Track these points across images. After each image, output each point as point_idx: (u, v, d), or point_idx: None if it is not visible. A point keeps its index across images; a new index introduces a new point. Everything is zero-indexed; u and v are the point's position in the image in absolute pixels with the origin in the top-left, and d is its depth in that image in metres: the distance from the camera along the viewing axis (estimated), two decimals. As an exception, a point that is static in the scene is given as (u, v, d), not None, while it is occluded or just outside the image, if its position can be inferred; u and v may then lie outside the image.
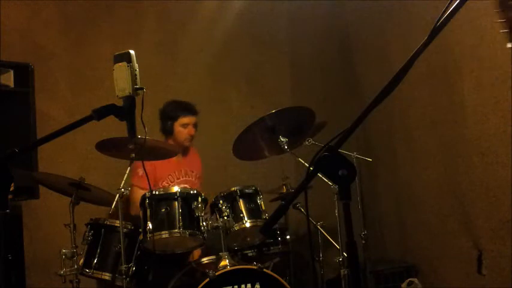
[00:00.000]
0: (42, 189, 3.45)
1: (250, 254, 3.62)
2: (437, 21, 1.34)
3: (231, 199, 3.19)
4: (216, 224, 3.07)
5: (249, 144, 3.33)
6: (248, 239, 3.32)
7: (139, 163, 3.17)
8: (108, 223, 3.17)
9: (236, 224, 3.12)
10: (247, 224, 3.12)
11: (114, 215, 3.08)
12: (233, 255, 3.28)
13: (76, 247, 3.07)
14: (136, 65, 1.71)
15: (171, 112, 3.69)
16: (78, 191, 3.12)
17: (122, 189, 2.94)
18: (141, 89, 1.70)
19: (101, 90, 4.03)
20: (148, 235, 2.92)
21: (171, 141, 3.71)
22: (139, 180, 3.45)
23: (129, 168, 3.10)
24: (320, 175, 1.45)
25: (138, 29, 4.41)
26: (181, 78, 4.52)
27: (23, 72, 3.48)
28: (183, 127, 3.67)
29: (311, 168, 1.42)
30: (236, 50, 4.80)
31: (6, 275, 3.26)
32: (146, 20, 4.48)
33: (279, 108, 3.19)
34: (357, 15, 4.92)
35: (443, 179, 4.02)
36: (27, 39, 3.98)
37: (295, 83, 4.98)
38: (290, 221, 3.95)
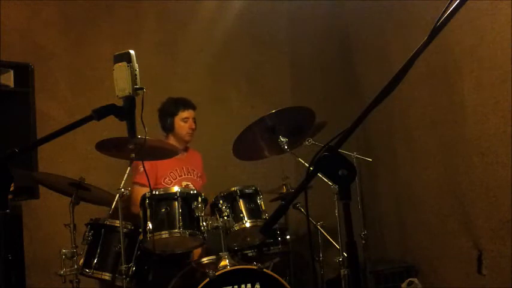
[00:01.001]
0: (42, 189, 3.44)
1: (250, 254, 3.61)
2: (437, 21, 1.34)
3: (231, 199, 3.19)
4: (216, 224, 3.07)
5: (249, 144, 3.33)
6: (248, 239, 3.32)
7: (138, 162, 3.18)
8: (108, 223, 3.16)
9: (236, 224, 3.12)
10: (247, 224, 3.12)
11: (114, 215, 3.08)
12: (233, 255, 3.28)
13: (76, 247, 3.06)
14: (136, 65, 1.71)
15: (170, 108, 3.72)
16: (78, 191, 3.11)
17: (122, 189, 2.94)
18: (141, 89, 1.70)
19: (101, 90, 4.03)
20: (148, 235, 2.92)
21: (172, 138, 3.73)
22: (141, 177, 3.45)
23: (129, 168, 3.10)
24: (320, 175, 1.44)
25: (138, 29, 4.41)
26: (181, 78, 4.52)
27: (23, 72, 3.48)
28: (183, 121, 3.71)
29: (311, 168, 1.42)
30: (236, 50, 4.80)
31: (6, 275, 3.26)
32: (146, 20, 4.48)
33: (279, 108, 3.19)
34: (357, 15, 4.92)
35: (443, 179, 4.02)
36: (27, 39, 3.98)
37: (295, 83, 4.98)
38: (290, 221, 3.95)
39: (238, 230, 3.12)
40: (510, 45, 3.29)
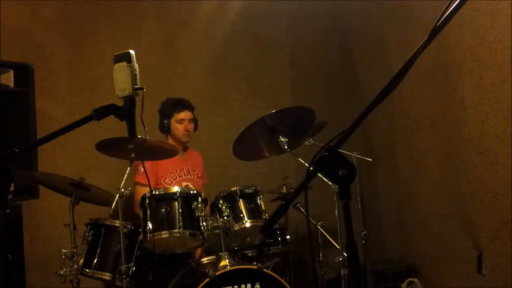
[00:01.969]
0: (42, 189, 3.45)
1: (250, 254, 3.62)
2: (437, 21, 1.34)
3: (231, 199, 3.19)
4: (216, 224, 3.07)
5: (249, 144, 3.33)
6: (248, 239, 3.32)
7: (139, 162, 3.18)
8: (108, 223, 3.17)
9: (236, 224, 3.12)
10: (247, 224, 3.12)
11: (114, 215, 3.08)
12: (233, 255, 3.28)
13: (76, 247, 3.07)
14: (136, 65, 1.71)
15: (166, 110, 3.72)
16: (78, 191, 3.12)
17: (122, 189, 2.94)
18: (141, 89, 1.70)
19: (101, 90, 4.03)
20: (149, 235, 2.92)
21: (170, 139, 3.73)
22: (142, 177, 3.46)
23: (129, 168, 3.10)
24: (320, 175, 1.44)
25: (138, 29, 4.41)
26: (181, 78, 4.53)
27: (23, 72, 3.49)
28: (179, 123, 3.70)
29: (311, 168, 1.42)
30: (236, 50, 4.80)
31: (6, 275, 3.26)
32: (146, 20, 4.48)
33: (279, 108, 3.19)
34: (357, 15, 4.92)
35: (443, 179, 4.02)
36: (27, 39, 3.98)
37: (295, 83, 4.98)
38: (290, 221, 3.94)
39: (238, 230, 3.12)
40: (510, 45, 3.29)
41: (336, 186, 1.66)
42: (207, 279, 2.83)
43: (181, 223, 2.97)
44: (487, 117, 3.56)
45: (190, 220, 3.02)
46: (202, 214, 3.05)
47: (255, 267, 2.97)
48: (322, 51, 5.08)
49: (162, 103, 3.76)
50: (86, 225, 3.21)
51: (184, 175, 3.74)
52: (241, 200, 3.18)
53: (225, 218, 3.10)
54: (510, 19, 3.27)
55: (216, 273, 2.85)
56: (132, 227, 3.17)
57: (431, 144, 4.12)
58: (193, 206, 3.04)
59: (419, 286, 4.03)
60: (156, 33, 4.51)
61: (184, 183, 3.67)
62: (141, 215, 3.05)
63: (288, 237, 3.75)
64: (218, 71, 4.71)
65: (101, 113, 1.58)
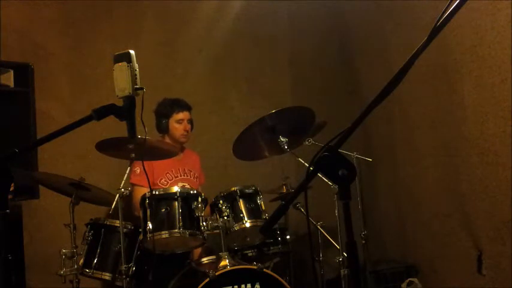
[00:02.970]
0: (42, 189, 3.45)
1: (250, 254, 3.62)
2: (437, 21, 1.34)
3: (231, 199, 3.19)
4: (216, 224, 3.07)
5: (249, 144, 3.33)
6: (248, 239, 3.32)
7: (135, 162, 3.17)
8: (108, 223, 3.17)
9: (236, 224, 3.12)
10: (247, 224, 3.12)
11: (114, 215, 3.08)
12: (233, 255, 3.28)
13: (76, 247, 3.07)
14: (136, 65, 1.70)
15: (164, 110, 3.71)
16: (78, 191, 3.12)
17: (122, 189, 2.95)
18: (141, 89, 1.70)
19: (101, 90, 4.03)
20: (149, 235, 2.92)
21: (167, 140, 3.72)
22: (138, 179, 3.45)
23: (129, 168, 3.10)
24: (320, 175, 1.44)
25: (138, 29, 4.41)
26: (181, 78, 4.52)
27: (23, 72, 3.48)
28: (178, 123, 3.70)
29: (311, 168, 1.42)
30: (236, 50, 4.80)
31: (6, 275, 3.26)
32: (146, 20, 4.48)
33: (279, 108, 3.19)
34: (357, 15, 4.92)
35: (443, 179, 4.02)
36: (27, 39, 3.98)
37: (295, 82, 4.98)
38: (290, 221, 3.94)
39: (238, 230, 3.12)
40: (510, 45, 3.29)
41: (336, 186, 1.67)
42: (207, 279, 2.83)
43: (181, 223, 2.97)
44: (487, 117, 3.56)
45: (190, 220, 3.02)
46: (202, 214, 3.05)
47: (255, 267, 2.97)
48: (322, 51, 5.08)
49: (159, 103, 3.75)
50: (86, 225, 3.21)
51: (181, 175, 3.73)
52: (241, 200, 3.18)
53: (225, 218, 3.10)
54: (510, 19, 3.28)
55: (216, 273, 2.85)
56: (132, 227, 3.17)
57: (431, 144, 4.12)
58: (193, 206, 3.04)
59: (419, 286, 4.03)
60: (156, 33, 4.51)
61: (180, 184, 3.65)
62: (141, 215, 3.05)
63: (288, 237, 3.75)
64: (218, 71, 4.71)
65: (101, 113, 1.58)
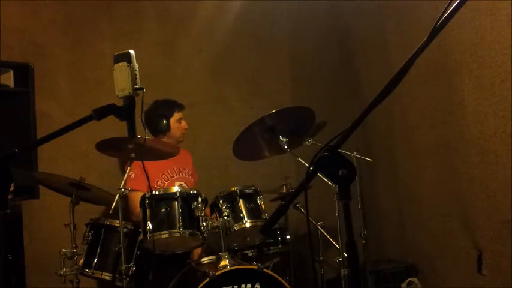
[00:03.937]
0: (42, 189, 3.44)
1: (250, 254, 3.62)
2: (437, 21, 1.34)
3: (231, 199, 3.19)
4: (216, 224, 3.07)
5: (249, 144, 3.33)
6: (248, 239, 3.32)
7: (132, 166, 3.17)
8: (108, 223, 3.17)
9: (236, 224, 3.12)
10: (247, 224, 3.12)
11: (114, 215, 3.08)
12: (233, 255, 3.28)
13: (76, 247, 3.07)
14: (136, 65, 1.71)
15: (164, 110, 3.74)
16: (78, 191, 3.12)
17: (122, 189, 2.95)
18: (141, 89, 1.70)
19: (101, 90, 4.03)
20: (148, 235, 2.92)
21: (165, 140, 3.72)
22: (134, 183, 3.44)
23: (129, 168, 3.10)
24: (320, 175, 1.44)
25: (138, 29, 4.41)
26: (181, 78, 4.52)
27: (23, 72, 3.48)
28: (178, 122, 3.76)
29: (311, 168, 1.42)
30: (236, 50, 4.80)
31: (6, 275, 3.26)
32: (146, 20, 4.48)
33: (279, 108, 3.19)
34: (357, 15, 4.92)
35: (443, 179, 4.01)
36: (27, 39, 3.98)
37: (295, 83, 4.98)
38: (290, 221, 3.94)
39: (238, 230, 3.12)
40: (510, 45, 3.29)
41: (336, 186, 1.67)
42: (207, 279, 2.83)
43: (181, 223, 2.97)
44: (487, 117, 3.56)
45: (190, 220, 3.02)
46: (202, 214, 3.05)
47: (255, 267, 2.97)
48: (322, 51, 5.08)
49: (155, 106, 3.74)
50: (86, 225, 3.21)
51: (176, 174, 3.74)
52: (241, 200, 3.18)
53: (225, 218, 3.10)
54: (510, 19, 3.27)
55: (216, 273, 2.85)
56: (132, 227, 3.17)
57: (431, 144, 4.12)
58: (193, 206, 3.04)
59: (419, 286, 4.03)
60: (156, 33, 4.51)
61: (177, 183, 3.67)
62: (141, 215, 3.05)
63: (288, 237, 3.75)
64: (218, 71, 4.71)
65: (101, 113, 1.58)
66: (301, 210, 3.49)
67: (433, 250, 4.15)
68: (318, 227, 3.51)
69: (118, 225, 3.02)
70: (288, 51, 5.02)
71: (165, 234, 2.95)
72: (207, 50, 4.65)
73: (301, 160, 3.11)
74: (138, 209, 3.17)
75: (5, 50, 3.64)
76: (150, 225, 2.93)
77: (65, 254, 3.03)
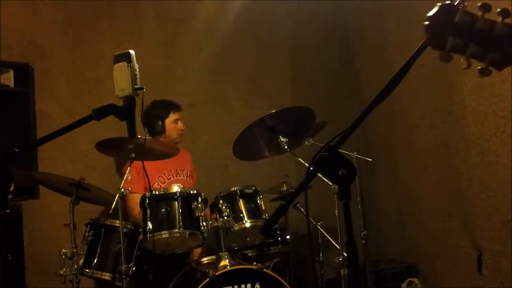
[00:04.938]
0: (42, 189, 3.44)
1: (250, 254, 3.62)
2: (437, 21, 1.34)
3: (231, 199, 3.19)
4: (216, 224, 3.07)
5: (249, 144, 3.33)
6: (248, 239, 3.32)
7: (125, 170, 3.17)
8: (108, 223, 3.17)
9: (236, 224, 3.12)
10: (247, 224, 3.12)
11: (114, 215, 3.08)
12: (233, 255, 3.28)
13: (76, 247, 3.07)
14: (136, 65, 1.71)
15: (160, 111, 3.73)
16: (78, 191, 3.11)
17: (122, 189, 2.94)
18: (141, 89, 1.70)
19: (101, 90, 4.03)
20: (148, 235, 2.92)
21: (162, 140, 3.72)
22: (130, 186, 3.43)
23: (129, 168, 3.10)
24: (320, 175, 1.44)
25: (138, 29, 4.41)
26: (181, 78, 4.52)
27: (23, 72, 3.48)
28: (174, 123, 3.74)
29: (311, 168, 1.42)
30: (236, 50, 4.80)
31: (6, 275, 3.26)
32: (146, 20, 4.48)
33: (279, 108, 3.19)
34: (357, 15, 4.92)
35: (443, 179, 4.01)
36: (27, 39, 3.98)
37: (295, 83, 4.98)
38: (290, 221, 3.94)
39: (238, 230, 3.12)
40: (510, 45, 3.28)
41: (336, 186, 1.67)
42: (207, 279, 2.83)
43: (181, 223, 2.97)
44: (487, 117, 3.55)
45: (190, 220, 3.02)
46: (202, 214, 3.05)
47: (255, 267, 2.97)
48: (322, 51, 5.08)
49: (152, 106, 3.72)
50: (86, 225, 3.21)
51: (173, 176, 3.73)
52: (241, 200, 3.18)
53: (225, 218, 3.10)
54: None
55: (216, 273, 2.86)
56: (132, 227, 3.17)
57: (431, 144, 4.12)
58: (193, 206, 3.04)
59: (419, 286, 4.03)
60: (156, 33, 4.51)
61: (174, 185, 3.64)
62: (141, 215, 3.05)
63: (288, 237, 3.75)
64: (218, 71, 4.71)
65: (101, 113, 1.58)
66: (301, 210, 3.49)
67: (433, 250, 4.15)
68: (318, 227, 3.51)
69: (118, 225, 3.02)
70: (288, 51, 5.02)
71: (165, 234, 2.95)
72: (207, 50, 4.65)
73: (301, 160, 3.11)
74: (134, 212, 3.18)
75: (5, 50, 3.64)
76: (150, 225, 2.93)
77: (65, 254, 3.03)
